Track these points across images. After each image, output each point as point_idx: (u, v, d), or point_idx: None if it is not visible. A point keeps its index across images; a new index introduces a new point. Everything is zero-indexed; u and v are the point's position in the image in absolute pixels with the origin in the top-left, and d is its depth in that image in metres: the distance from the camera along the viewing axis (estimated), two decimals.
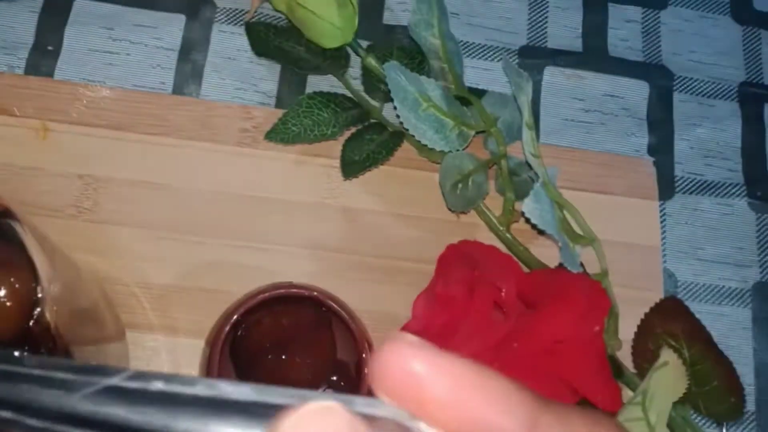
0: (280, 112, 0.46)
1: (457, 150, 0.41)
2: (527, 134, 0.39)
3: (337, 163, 0.45)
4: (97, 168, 0.45)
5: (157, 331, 0.42)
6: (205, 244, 0.44)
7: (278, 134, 0.44)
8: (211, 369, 0.37)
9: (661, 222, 0.47)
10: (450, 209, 0.42)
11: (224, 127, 0.46)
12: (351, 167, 0.42)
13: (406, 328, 0.37)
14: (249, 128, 0.47)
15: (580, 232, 0.41)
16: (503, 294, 0.34)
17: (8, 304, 0.26)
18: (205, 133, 0.46)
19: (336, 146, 0.46)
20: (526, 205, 0.36)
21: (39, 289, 0.26)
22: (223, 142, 0.46)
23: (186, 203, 0.44)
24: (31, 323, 0.26)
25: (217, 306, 0.41)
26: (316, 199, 0.45)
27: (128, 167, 0.45)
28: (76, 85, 0.46)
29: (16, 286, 0.26)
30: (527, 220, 0.37)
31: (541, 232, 0.41)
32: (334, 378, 0.38)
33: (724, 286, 0.47)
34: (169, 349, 0.42)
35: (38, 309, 0.26)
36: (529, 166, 0.42)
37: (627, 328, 0.41)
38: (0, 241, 0.26)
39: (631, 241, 0.45)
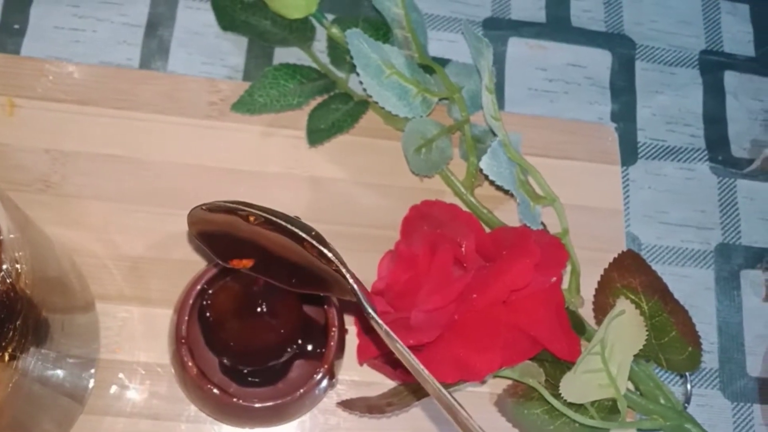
0: (246, 85, 0.46)
1: (421, 116, 0.42)
2: (487, 98, 0.40)
3: (302, 134, 0.46)
4: (64, 143, 0.45)
5: (129, 302, 0.43)
6: (175, 215, 0.44)
7: (244, 105, 0.45)
8: (179, 336, 0.37)
9: (625, 187, 0.48)
10: (413, 172, 0.42)
11: (191, 100, 0.47)
12: (316, 135, 0.43)
13: (372, 289, 0.38)
14: (216, 101, 0.47)
15: (542, 193, 0.41)
16: (463, 249, 0.35)
17: None
18: (172, 107, 0.46)
19: (302, 118, 0.46)
20: (484, 162, 0.37)
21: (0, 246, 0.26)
22: (190, 115, 0.46)
23: (155, 176, 0.45)
24: None
25: (188, 276, 0.42)
26: (283, 170, 0.46)
27: (96, 141, 0.45)
28: (42, 61, 0.46)
29: None
30: (486, 177, 0.38)
31: (504, 191, 0.42)
32: (303, 338, 0.38)
33: (687, 248, 0.48)
34: (141, 320, 0.42)
35: (3, 267, 0.26)
36: (493, 133, 0.42)
37: (590, 288, 0.42)
38: None
39: (594, 205, 0.46)
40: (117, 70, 0.47)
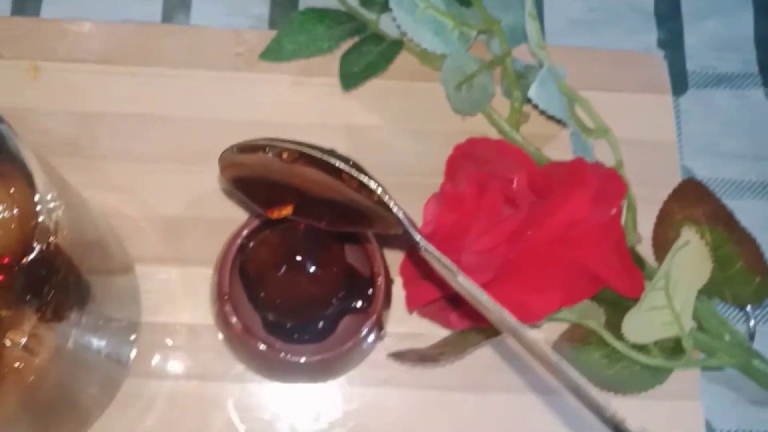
0: (273, 34, 0.44)
1: (460, 52, 0.40)
2: (531, 25, 0.37)
3: (335, 81, 0.44)
4: (91, 104, 0.44)
5: (166, 263, 0.42)
6: (206, 172, 0.43)
7: (273, 54, 0.43)
8: (221, 293, 0.36)
9: (676, 119, 0.46)
10: (455, 111, 0.40)
11: (217, 52, 0.45)
12: (350, 79, 0.41)
13: None
14: (242, 52, 0.45)
15: (592, 125, 0.39)
16: (514, 186, 0.33)
17: (5, 215, 0.25)
18: (198, 61, 0.45)
19: (333, 64, 0.44)
20: (533, 91, 0.35)
21: (40, 201, 0.25)
22: (217, 68, 0.45)
23: (184, 133, 0.43)
24: (35, 242, 0.25)
25: (223, 233, 0.41)
26: (316, 120, 0.44)
27: (122, 101, 0.44)
28: (63, 21, 0.45)
29: (16, 197, 0.25)
30: (536, 107, 0.36)
31: (556, 122, 0.39)
32: (348, 292, 0.37)
33: (743, 180, 0.45)
34: (180, 280, 0.41)
35: (40, 219, 0.25)
36: (540, 64, 0.40)
37: (646, 226, 0.40)
38: None
39: (645, 138, 0.44)
40: (139, 26, 0.45)
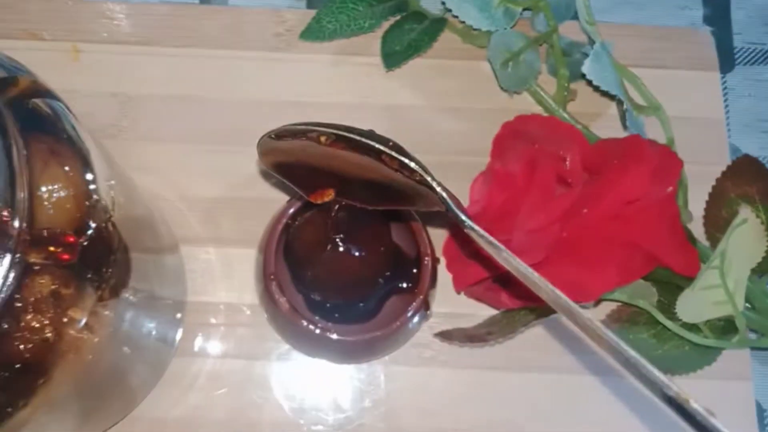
0: (312, 13, 0.44)
1: (504, 29, 0.39)
2: (580, 1, 0.37)
3: (376, 60, 0.44)
4: (131, 85, 0.44)
5: (209, 244, 0.42)
6: (246, 153, 0.43)
7: (313, 33, 0.42)
8: (266, 275, 0.36)
9: (723, 96, 0.45)
10: (502, 88, 0.40)
11: (256, 33, 0.45)
12: (392, 57, 0.41)
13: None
14: (282, 32, 0.45)
15: (643, 103, 0.38)
16: (567, 164, 0.33)
17: (62, 194, 0.25)
18: (237, 41, 0.45)
19: (373, 43, 0.44)
20: (587, 66, 0.34)
21: (94, 179, 0.25)
22: (256, 49, 0.44)
23: (224, 114, 0.43)
24: (92, 221, 0.25)
25: (264, 214, 0.41)
26: (357, 99, 0.44)
27: (163, 82, 0.44)
28: (103, 2, 0.45)
29: (71, 176, 0.25)
30: (590, 83, 0.35)
31: (606, 94, 0.38)
32: (393, 272, 0.37)
33: None
34: (223, 261, 0.42)
35: (95, 198, 0.25)
36: (587, 40, 0.39)
37: (696, 204, 0.39)
38: (51, 128, 0.25)
39: (693, 115, 0.43)
40: (178, 6, 0.45)
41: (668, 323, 0.35)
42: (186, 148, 0.43)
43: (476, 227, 0.26)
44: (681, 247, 0.32)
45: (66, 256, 0.22)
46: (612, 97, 0.41)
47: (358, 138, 0.29)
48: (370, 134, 0.30)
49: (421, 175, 0.27)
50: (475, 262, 0.34)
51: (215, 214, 0.42)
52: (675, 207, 0.33)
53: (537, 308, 0.34)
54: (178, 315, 0.39)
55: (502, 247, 0.25)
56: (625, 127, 0.40)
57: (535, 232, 0.32)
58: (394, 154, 0.28)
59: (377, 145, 0.29)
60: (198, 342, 0.40)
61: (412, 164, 0.28)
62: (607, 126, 0.41)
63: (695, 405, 0.22)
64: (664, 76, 0.43)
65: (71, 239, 0.23)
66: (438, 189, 0.27)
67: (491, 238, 0.25)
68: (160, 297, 0.34)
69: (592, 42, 0.38)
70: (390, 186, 0.30)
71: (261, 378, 0.39)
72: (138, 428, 0.38)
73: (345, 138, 0.30)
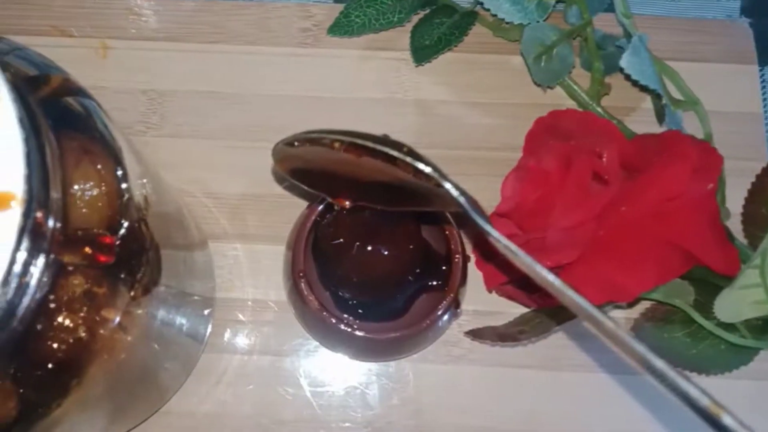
0: (339, 7, 0.43)
1: (537, 22, 0.38)
2: None
3: (404, 55, 0.43)
4: (159, 82, 0.44)
5: (236, 240, 0.42)
6: None
7: (341, 28, 0.42)
8: (295, 273, 0.36)
9: (761, 90, 0.44)
10: (536, 83, 0.39)
11: (283, 28, 0.45)
12: (422, 52, 0.40)
13: (497, 211, 0.35)
14: (309, 27, 0.44)
15: (680, 97, 0.37)
16: (604, 160, 0.32)
17: (95, 192, 0.25)
18: (264, 37, 0.44)
19: (401, 38, 0.43)
20: (625, 59, 0.33)
21: (126, 177, 0.25)
22: (283, 44, 0.44)
23: (251, 110, 0.43)
24: (125, 219, 0.25)
25: (291, 211, 0.40)
26: (386, 95, 0.43)
27: (190, 79, 0.44)
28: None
29: (103, 174, 0.25)
30: (627, 77, 0.34)
31: (642, 88, 0.37)
32: (423, 269, 0.36)
33: None
34: (251, 257, 0.41)
35: (126, 198, 0.25)
36: (622, 32, 0.38)
37: (733, 201, 0.38)
38: (83, 126, 0.25)
39: (730, 109, 0.42)
40: (205, 2, 0.45)
41: (704, 322, 0.34)
42: (213, 144, 0.43)
43: (493, 232, 0.25)
44: (721, 246, 0.32)
45: (103, 258, 0.22)
46: (646, 91, 0.40)
47: (371, 145, 0.29)
48: (384, 140, 0.30)
49: (436, 180, 0.27)
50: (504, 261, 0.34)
51: (242, 210, 0.42)
52: (715, 204, 0.32)
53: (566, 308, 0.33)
54: (207, 311, 0.39)
55: (520, 251, 0.24)
56: (660, 121, 0.39)
57: (570, 229, 0.31)
58: (408, 159, 0.28)
59: (391, 151, 0.28)
60: (226, 338, 0.40)
61: (427, 169, 0.27)
62: (641, 120, 0.40)
63: (728, 420, 0.21)
64: (701, 69, 0.42)
65: (108, 240, 0.22)
66: (455, 193, 0.26)
67: (508, 242, 0.25)
68: (190, 294, 0.34)
69: (627, 35, 0.37)
70: (406, 188, 0.29)
71: (289, 374, 0.39)
72: (166, 423, 0.38)
73: (357, 144, 0.30)
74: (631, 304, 0.36)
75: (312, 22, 0.45)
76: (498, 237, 0.25)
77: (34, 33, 0.44)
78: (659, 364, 0.22)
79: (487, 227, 0.25)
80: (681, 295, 0.34)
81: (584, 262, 0.31)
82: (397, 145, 0.28)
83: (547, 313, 0.34)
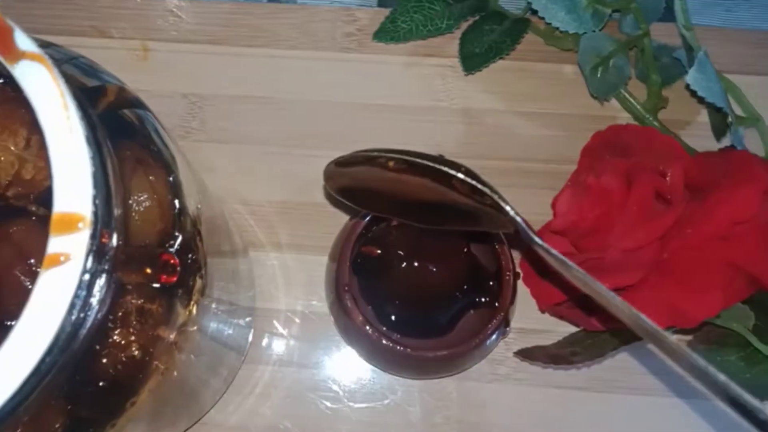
0: (385, 12, 0.42)
1: (593, 31, 0.37)
2: (678, 4, 0.34)
3: (451, 62, 0.42)
4: (200, 85, 0.43)
5: (278, 249, 0.41)
6: (315, 156, 0.41)
7: (387, 33, 0.41)
8: (340, 286, 0.35)
9: None
10: (592, 95, 0.38)
11: (327, 32, 0.44)
12: (472, 60, 0.39)
13: (549, 227, 0.34)
14: (353, 31, 0.43)
15: (742, 113, 0.36)
16: (668, 179, 0.31)
17: (149, 203, 0.24)
18: (307, 41, 0.43)
19: (448, 44, 0.42)
20: (691, 76, 0.32)
21: (179, 188, 0.24)
22: (326, 49, 0.43)
23: (293, 115, 0.42)
24: (175, 227, 0.24)
25: (330, 220, 0.40)
26: (431, 102, 0.42)
27: (232, 82, 0.43)
28: (172, 0, 0.44)
29: (157, 186, 0.24)
30: (694, 94, 0.33)
31: (701, 101, 0.36)
32: (471, 282, 0.35)
33: None
34: (292, 267, 0.41)
35: (180, 209, 0.24)
36: (681, 43, 0.36)
37: None
38: (137, 136, 0.24)
39: None
40: (248, 5, 0.44)
41: (762, 347, 0.33)
42: (253, 150, 0.42)
43: (546, 246, 0.25)
44: None
45: (165, 278, 0.21)
46: (703, 104, 0.39)
47: (429, 164, 0.28)
48: (441, 160, 0.29)
49: (493, 200, 0.26)
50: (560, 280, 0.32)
51: (282, 218, 0.41)
52: None
53: (624, 331, 0.32)
54: (248, 320, 0.39)
55: (571, 263, 0.23)
56: (717, 137, 0.38)
57: (632, 251, 0.30)
58: (467, 179, 0.27)
59: (449, 170, 0.28)
60: (263, 349, 0.39)
61: (486, 189, 0.27)
62: (697, 135, 0.39)
63: None
64: (759, 83, 0.41)
65: (171, 259, 0.22)
66: (511, 213, 0.26)
67: (559, 255, 0.24)
68: (236, 304, 0.34)
69: (687, 47, 0.36)
70: (456, 208, 0.29)
71: (327, 388, 0.39)
72: None
73: (413, 163, 0.29)
74: (694, 330, 0.35)
75: (356, 27, 0.44)
76: (548, 249, 0.24)
77: (75, 33, 0.44)
78: (721, 377, 0.22)
79: (539, 242, 0.25)
80: (741, 319, 0.33)
81: (646, 286, 0.30)
82: (456, 166, 0.28)
83: (607, 335, 0.33)
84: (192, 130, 0.42)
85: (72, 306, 0.17)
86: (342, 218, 0.38)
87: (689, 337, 0.37)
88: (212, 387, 0.35)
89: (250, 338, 0.39)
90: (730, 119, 0.34)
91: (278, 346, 0.39)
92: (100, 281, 0.19)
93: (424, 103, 0.42)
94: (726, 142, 0.37)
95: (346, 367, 0.39)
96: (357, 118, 0.42)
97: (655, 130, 0.35)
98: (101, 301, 0.19)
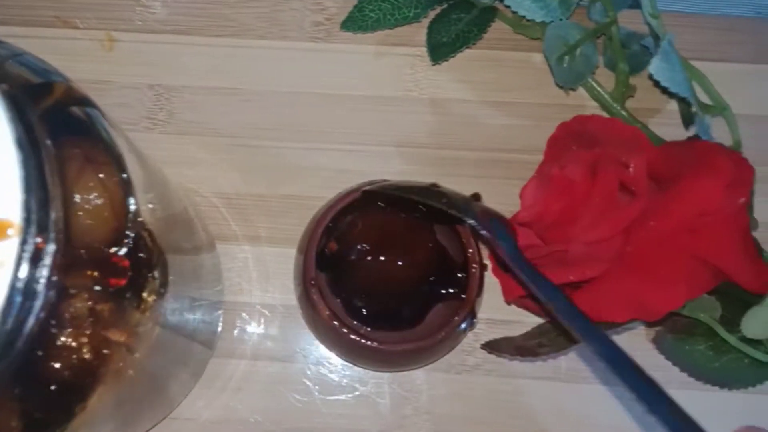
0: (354, 1, 0.42)
1: (560, 20, 0.37)
2: None
3: (420, 51, 0.42)
4: (167, 77, 0.42)
5: (244, 242, 0.40)
6: (285, 148, 0.41)
7: (355, 23, 0.40)
8: (306, 280, 0.35)
9: None
10: (558, 85, 0.37)
11: (295, 22, 0.43)
12: (440, 50, 0.38)
13: (515, 220, 0.34)
14: (322, 21, 0.43)
15: (708, 102, 0.36)
16: (631, 170, 0.30)
17: (99, 202, 0.24)
18: (275, 31, 0.43)
19: (417, 34, 0.42)
20: (655, 65, 0.32)
21: (130, 186, 0.24)
22: (295, 39, 0.43)
23: (261, 107, 0.42)
24: (127, 227, 0.24)
25: (302, 212, 0.39)
26: (400, 92, 0.42)
27: (199, 73, 0.42)
28: None
29: (107, 184, 0.24)
30: (657, 84, 0.33)
31: (671, 95, 0.36)
32: (439, 274, 0.35)
33: None
34: (259, 260, 0.40)
35: (132, 208, 0.24)
36: (651, 33, 0.36)
37: (761, 209, 0.37)
38: (85, 134, 0.24)
39: (759, 113, 0.40)
40: None
41: (729, 337, 0.33)
42: (222, 141, 0.41)
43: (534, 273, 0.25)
44: (752, 264, 0.30)
45: (114, 281, 0.21)
46: (672, 93, 0.39)
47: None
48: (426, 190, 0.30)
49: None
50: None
51: (251, 211, 0.41)
52: (746, 219, 0.30)
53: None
54: (216, 315, 0.38)
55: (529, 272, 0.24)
56: (686, 125, 0.38)
57: (595, 243, 0.30)
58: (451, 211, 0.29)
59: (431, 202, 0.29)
60: (234, 342, 0.39)
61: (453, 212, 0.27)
62: (667, 123, 0.39)
63: None
64: (727, 70, 0.41)
65: (120, 261, 0.21)
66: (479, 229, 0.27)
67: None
68: (199, 299, 0.33)
69: (654, 35, 0.35)
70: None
71: (298, 381, 0.38)
72: (173, 429, 0.37)
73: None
74: (655, 323, 0.35)
75: (325, 16, 0.43)
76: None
77: (38, 24, 0.43)
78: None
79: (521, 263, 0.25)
80: (707, 310, 0.33)
81: (610, 278, 0.30)
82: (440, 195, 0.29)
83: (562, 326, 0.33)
84: (159, 122, 0.42)
85: (5, 314, 0.17)
86: (311, 211, 0.38)
87: (658, 328, 0.37)
88: (179, 381, 0.35)
89: (219, 330, 0.38)
90: (694, 109, 0.34)
91: (249, 340, 0.39)
92: (38, 286, 0.19)
93: (393, 93, 0.42)
94: (695, 130, 0.37)
95: (317, 359, 0.39)
96: (328, 110, 0.42)
97: (619, 120, 0.35)
98: (41, 307, 0.19)
